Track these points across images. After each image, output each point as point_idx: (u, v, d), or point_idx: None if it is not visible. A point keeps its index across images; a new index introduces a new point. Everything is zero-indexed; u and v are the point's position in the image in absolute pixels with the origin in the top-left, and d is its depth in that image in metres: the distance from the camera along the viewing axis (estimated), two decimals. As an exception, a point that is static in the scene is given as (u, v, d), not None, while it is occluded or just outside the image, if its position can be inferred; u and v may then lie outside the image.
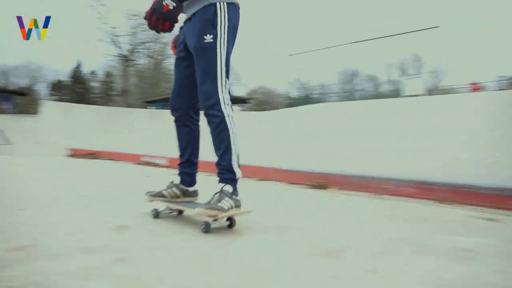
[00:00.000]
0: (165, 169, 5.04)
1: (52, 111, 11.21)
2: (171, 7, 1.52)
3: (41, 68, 41.57)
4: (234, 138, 1.61)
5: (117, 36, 26.45)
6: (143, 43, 29.68)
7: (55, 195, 2.51)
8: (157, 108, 29.24)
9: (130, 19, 26.99)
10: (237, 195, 1.61)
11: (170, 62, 32.73)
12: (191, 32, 1.65)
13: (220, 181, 1.62)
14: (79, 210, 2.07)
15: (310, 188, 3.33)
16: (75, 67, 42.80)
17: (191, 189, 1.89)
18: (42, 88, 40.27)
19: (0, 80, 33.12)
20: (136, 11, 27.09)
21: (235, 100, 27.41)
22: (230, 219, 1.66)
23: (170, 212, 1.90)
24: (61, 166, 5.46)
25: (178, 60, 1.82)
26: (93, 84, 46.31)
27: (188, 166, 1.87)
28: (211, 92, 1.60)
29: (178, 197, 1.86)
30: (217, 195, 1.56)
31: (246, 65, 61.99)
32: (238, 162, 1.64)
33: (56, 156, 6.99)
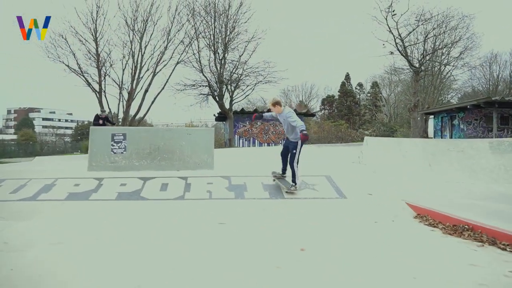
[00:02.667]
0: None
1: (371, 147, 8.56)
2: (257, 114, 6.62)
3: (313, 87, 49.72)
4: (296, 174, 5.42)
5: (404, 45, 23.09)
6: (436, 50, 25.08)
7: None
8: (438, 121, 23.63)
9: (420, 24, 23.14)
10: (296, 185, 5.45)
11: (449, 67, 28.01)
12: (291, 146, 5.52)
13: (292, 181, 5.49)
14: None
15: None
16: (343, 82, 46.82)
17: (283, 174, 5.90)
18: (313, 104, 46.89)
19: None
20: (428, 15, 22.77)
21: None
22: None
23: (274, 180, 5.94)
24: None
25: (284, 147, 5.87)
26: (360, 96, 48.72)
27: (283, 167, 5.87)
28: (291, 163, 5.47)
29: (280, 177, 5.90)
30: (290, 185, 5.48)
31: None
32: (297, 178, 5.45)
33: (398, 218, 4.35)
